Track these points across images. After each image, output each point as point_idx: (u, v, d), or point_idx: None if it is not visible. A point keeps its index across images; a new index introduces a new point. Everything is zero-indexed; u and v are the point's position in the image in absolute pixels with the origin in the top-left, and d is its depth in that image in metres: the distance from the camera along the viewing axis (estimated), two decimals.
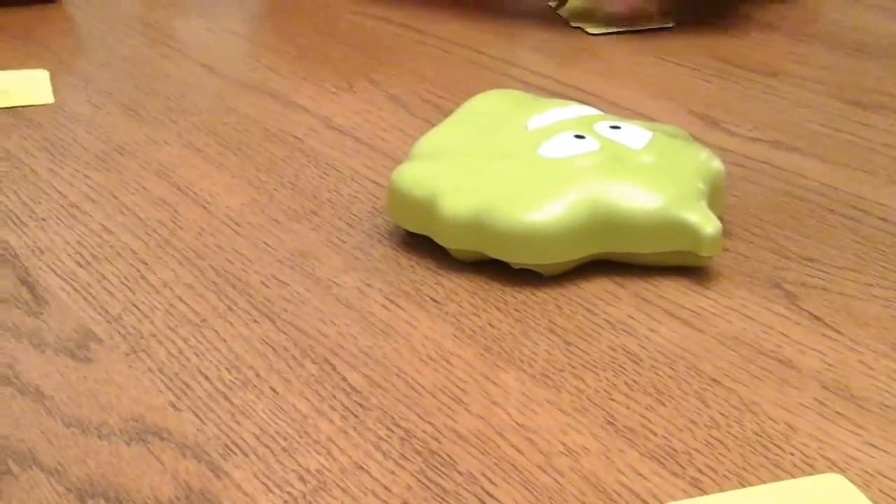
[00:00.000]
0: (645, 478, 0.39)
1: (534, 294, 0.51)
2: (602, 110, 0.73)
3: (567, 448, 0.41)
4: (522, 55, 0.85)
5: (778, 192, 0.62)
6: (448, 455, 0.40)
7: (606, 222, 0.52)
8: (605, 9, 0.90)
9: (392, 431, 0.42)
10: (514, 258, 0.52)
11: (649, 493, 0.39)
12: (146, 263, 0.53)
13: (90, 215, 0.58)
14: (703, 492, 0.39)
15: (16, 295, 0.51)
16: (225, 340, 0.47)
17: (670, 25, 0.91)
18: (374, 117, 0.72)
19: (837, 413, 0.43)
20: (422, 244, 0.55)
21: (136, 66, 0.83)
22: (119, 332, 0.48)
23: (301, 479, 0.39)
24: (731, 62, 0.83)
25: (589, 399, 0.44)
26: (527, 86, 0.78)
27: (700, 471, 0.40)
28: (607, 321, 0.49)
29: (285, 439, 0.41)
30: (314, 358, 0.46)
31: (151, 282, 0.52)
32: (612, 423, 0.42)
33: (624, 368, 0.46)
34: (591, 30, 0.91)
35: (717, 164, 0.55)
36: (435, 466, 0.40)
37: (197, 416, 0.42)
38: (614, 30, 0.90)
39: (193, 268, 0.53)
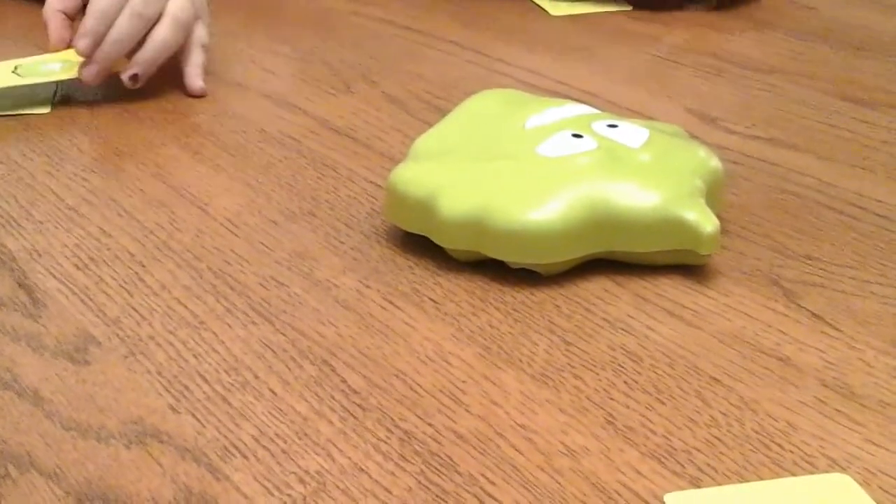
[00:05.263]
0: (645, 477, 0.39)
1: (533, 294, 0.51)
2: (599, 109, 0.73)
3: (567, 448, 0.41)
4: (520, 55, 0.85)
5: (776, 189, 0.62)
6: (448, 456, 0.40)
7: (605, 221, 0.52)
8: None
9: (391, 432, 0.42)
10: (513, 258, 0.51)
11: (650, 493, 0.38)
12: (144, 266, 0.53)
13: (88, 218, 0.58)
14: None
15: (14, 298, 0.51)
16: (223, 342, 0.47)
17: (628, 8, 0.94)
18: (371, 118, 0.72)
19: (837, 411, 0.43)
20: (420, 244, 0.55)
21: None
22: (117, 335, 0.48)
23: (301, 480, 0.39)
24: (729, 60, 0.83)
25: (588, 399, 0.44)
26: (524, 85, 0.78)
27: (700, 469, 0.40)
28: (606, 320, 0.49)
29: (285, 441, 0.41)
30: (313, 359, 0.46)
31: (149, 284, 0.52)
32: (612, 423, 0.42)
33: (623, 368, 0.46)
34: (552, 11, 0.93)
35: (715, 161, 0.55)
36: (435, 467, 0.40)
37: (196, 418, 0.42)
38: (577, 11, 0.92)
39: (191, 270, 0.53)
